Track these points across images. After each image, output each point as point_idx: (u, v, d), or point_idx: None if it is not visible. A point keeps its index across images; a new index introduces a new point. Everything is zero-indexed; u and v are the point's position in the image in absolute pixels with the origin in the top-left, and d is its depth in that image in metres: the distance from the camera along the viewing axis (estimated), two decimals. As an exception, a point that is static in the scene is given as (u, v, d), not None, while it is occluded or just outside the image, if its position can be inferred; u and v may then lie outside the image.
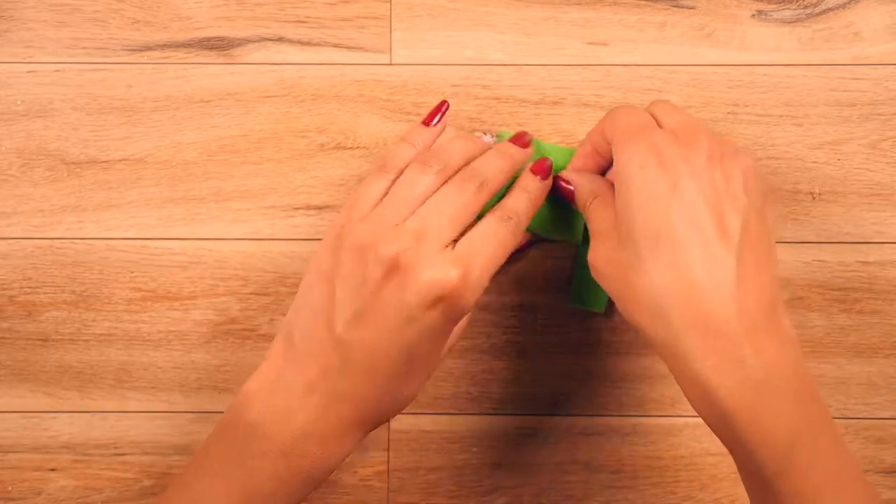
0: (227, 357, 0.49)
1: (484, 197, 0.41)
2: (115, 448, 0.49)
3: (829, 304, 0.48)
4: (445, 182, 0.41)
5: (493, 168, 0.42)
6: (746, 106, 0.48)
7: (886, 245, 0.48)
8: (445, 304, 0.39)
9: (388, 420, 0.41)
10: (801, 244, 0.48)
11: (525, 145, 0.44)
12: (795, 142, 0.48)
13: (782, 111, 0.48)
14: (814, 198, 0.48)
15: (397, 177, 0.42)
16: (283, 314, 0.49)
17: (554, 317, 0.49)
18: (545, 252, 0.49)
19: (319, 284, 0.41)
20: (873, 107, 0.48)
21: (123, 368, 0.49)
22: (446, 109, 0.44)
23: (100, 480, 0.49)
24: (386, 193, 0.42)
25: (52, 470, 0.49)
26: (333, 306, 0.40)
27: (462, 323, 0.42)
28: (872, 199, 0.48)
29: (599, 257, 0.41)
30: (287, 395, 0.40)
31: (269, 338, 0.49)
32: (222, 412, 0.49)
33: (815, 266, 0.48)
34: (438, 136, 0.44)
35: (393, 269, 0.39)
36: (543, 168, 0.43)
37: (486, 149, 0.43)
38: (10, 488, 0.49)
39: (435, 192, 0.41)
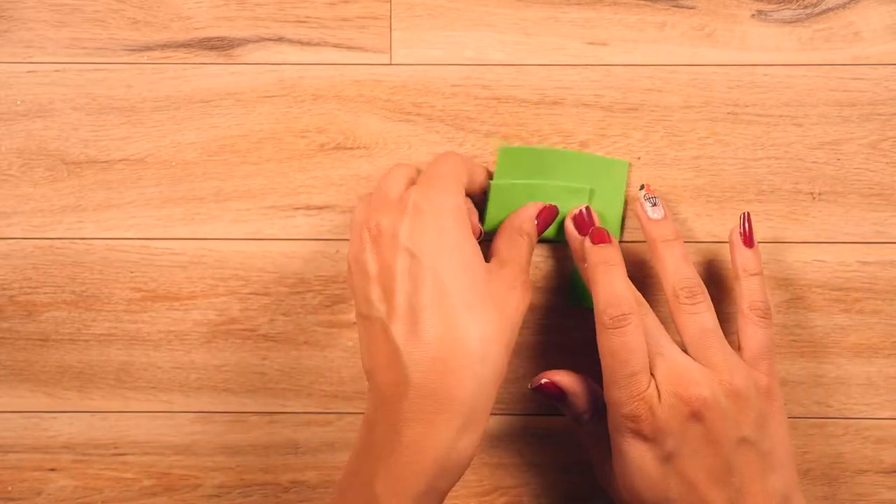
0: (227, 357, 0.49)
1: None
2: (115, 448, 0.49)
3: (829, 304, 0.48)
4: None
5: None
6: (746, 106, 0.48)
7: (886, 245, 0.48)
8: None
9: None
10: (801, 244, 0.48)
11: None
12: (795, 142, 0.48)
13: (782, 111, 0.48)
14: (814, 198, 0.48)
15: None
16: (284, 314, 0.49)
17: (554, 317, 0.49)
18: (545, 252, 0.49)
19: (357, 278, 0.43)
20: (873, 107, 0.48)
21: (123, 368, 0.49)
22: None
23: (100, 480, 0.49)
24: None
25: (52, 470, 0.49)
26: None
27: (522, 307, 0.43)
28: (872, 199, 0.48)
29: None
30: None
31: (269, 338, 0.49)
32: (222, 412, 0.49)
33: (815, 266, 0.48)
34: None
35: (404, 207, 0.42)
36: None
37: None
38: (10, 488, 0.49)
39: None
